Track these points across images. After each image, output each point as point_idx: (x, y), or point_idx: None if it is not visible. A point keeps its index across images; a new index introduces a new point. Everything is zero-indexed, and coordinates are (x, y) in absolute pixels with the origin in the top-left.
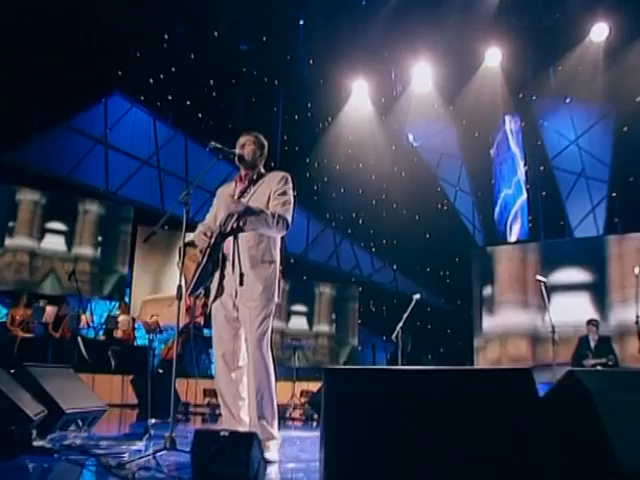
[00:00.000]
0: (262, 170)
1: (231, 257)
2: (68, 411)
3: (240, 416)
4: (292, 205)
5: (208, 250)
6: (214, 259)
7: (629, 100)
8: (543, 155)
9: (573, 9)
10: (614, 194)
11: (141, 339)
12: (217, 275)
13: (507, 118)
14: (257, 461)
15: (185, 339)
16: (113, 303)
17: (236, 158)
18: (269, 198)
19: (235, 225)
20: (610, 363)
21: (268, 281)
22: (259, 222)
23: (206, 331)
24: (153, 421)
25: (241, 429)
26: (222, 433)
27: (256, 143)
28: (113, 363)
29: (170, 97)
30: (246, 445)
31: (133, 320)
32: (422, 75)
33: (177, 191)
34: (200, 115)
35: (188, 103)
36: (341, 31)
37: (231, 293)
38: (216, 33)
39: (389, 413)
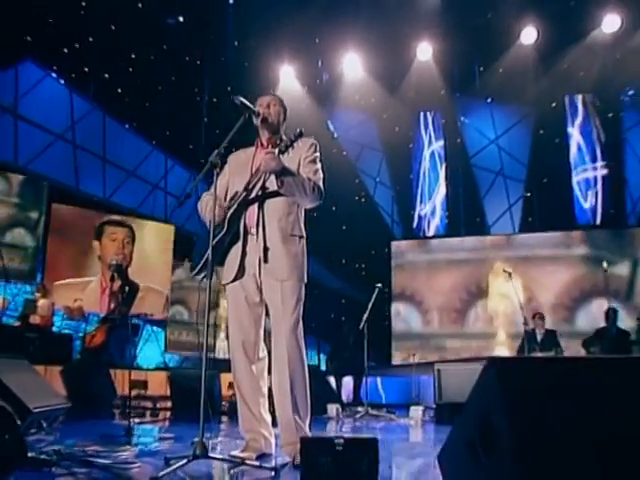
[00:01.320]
0: (284, 136)
1: (254, 230)
2: (35, 410)
3: (262, 414)
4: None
5: (225, 222)
6: (233, 232)
7: (546, 103)
8: (463, 152)
9: (505, 11)
10: (529, 194)
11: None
12: (235, 252)
13: (429, 114)
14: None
15: (110, 326)
16: (27, 287)
17: (259, 119)
18: (299, 165)
19: (266, 187)
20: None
21: (298, 258)
22: (296, 186)
23: (135, 320)
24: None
25: (264, 431)
26: (336, 441)
27: (282, 105)
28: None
29: (87, 69)
30: (368, 454)
31: (53, 304)
32: (350, 66)
33: (93, 169)
34: (120, 90)
35: (107, 76)
36: (271, 14)
37: (254, 272)
38: (140, 4)
39: (562, 403)
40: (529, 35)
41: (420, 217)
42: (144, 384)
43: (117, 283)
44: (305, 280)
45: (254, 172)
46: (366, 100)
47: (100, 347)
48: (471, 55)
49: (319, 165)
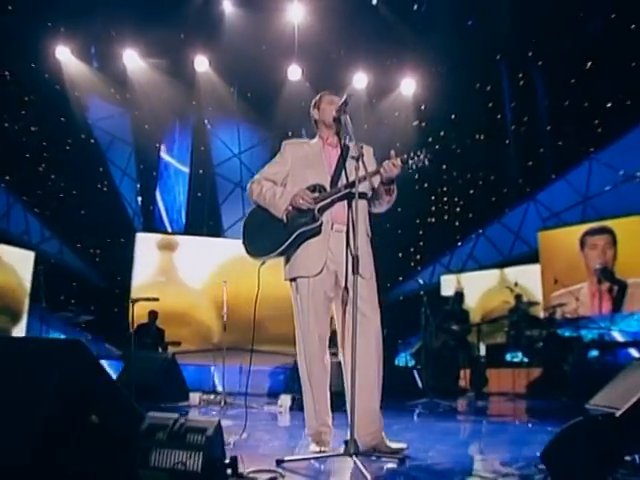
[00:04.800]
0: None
1: (342, 227)
2: None
3: (329, 407)
4: None
5: (316, 214)
6: (315, 224)
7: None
8: (208, 160)
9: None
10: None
11: None
12: (318, 246)
13: (180, 120)
14: None
15: None
16: None
17: (334, 119)
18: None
19: (376, 190)
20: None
21: (373, 258)
22: (393, 195)
23: None
24: None
25: (330, 424)
26: None
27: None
28: None
29: None
30: None
31: None
32: (129, 59)
33: None
34: None
35: None
36: None
37: (335, 269)
38: None
39: None
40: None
41: (160, 212)
42: None
43: None
44: None
45: (335, 171)
46: (122, 94)
47: None
48: (231, 78)
49: None
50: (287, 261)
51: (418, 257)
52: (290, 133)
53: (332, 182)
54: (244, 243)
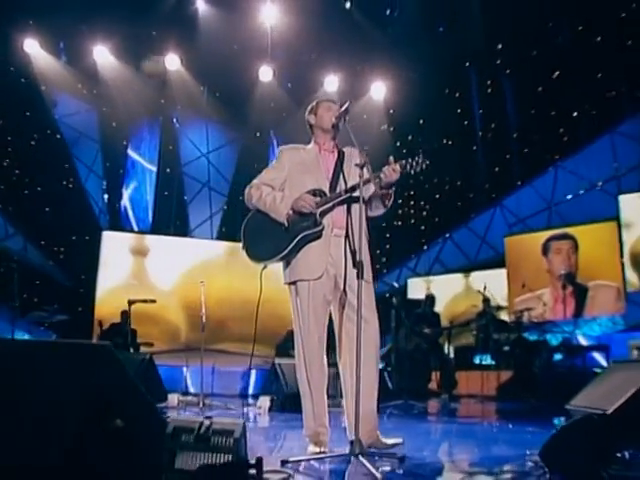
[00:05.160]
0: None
1: (341, 232)
2: None
3: (326, 409)
4: None
5: (317, 219)
6: (317, 228)
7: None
8: (176, 159)
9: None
10: (226, 207)
11: None
12: (319, 250)
13: (149, 118)
14: None
15: None
16: None
17: (332, 125)
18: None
19: (352, 192)
20: None
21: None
22: (391, 199)
23: None
24: None
25: (327, 425)
26: None
27: None
28: None
29: None
30: None
31: None
32: (100, 55)
33: None
34: None
35: None
36: None
37: (335, 273)
38: None
39: None
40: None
41: (127, 211)
42: None
43: None
44: None
45: (333, 175)
46: (90, 90)
47: None
48: (202, 77)
49: None
50: (287, 265)
51: (384, 260)
52: (258, 134)
53: (331, 187)
54: (244, 247)
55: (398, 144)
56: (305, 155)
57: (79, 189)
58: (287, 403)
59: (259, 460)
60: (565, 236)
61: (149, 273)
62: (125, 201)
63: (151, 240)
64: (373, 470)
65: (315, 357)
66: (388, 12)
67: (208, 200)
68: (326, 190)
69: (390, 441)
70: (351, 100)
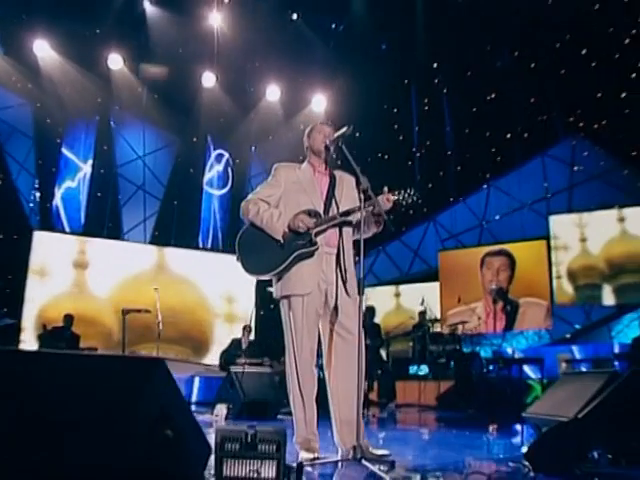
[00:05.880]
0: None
1: (333, 250)
2: None
3: (316, 418)
4: None
5: (312, 238)
6: (313, 247)
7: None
8: (111, 160)
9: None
10: (160, 211)
11: None
12: (312, 267)
13: (86, 117)
14: None
15: None
16: None
17: (324, 147)
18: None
19: (345, 215)
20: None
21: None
22: (381, 226)
23: None
24: None
25: (316, 433)
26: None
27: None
28: None
29: None
30: None
31: None
32: (39, 49)
33: None
34: None
35: None
36: None
37: (326, 288)
38: None
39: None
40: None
41: (59, 210)
42: None
43: None
44: None
45: (327, 198)
46: (25, 85)
47: None
48: (142, 78)
49: None
50: (278, 279)
51: None
52: (195, 139)
53: (325, 208)
54: (239, 260)
55: (334, 155)
56: (301, 175)
57: (9, 186)
58: (244, 411)
59: (300, 465)
60: (500, 252)
61: (83, 275)
62: (57, 200)
63: (83, 242)
64: (381, 473)
65: (307, 368)
66: (333, 26)
67: (142, 203)
68: (320, 211)
69: (379, 452)
70: (351, 126)
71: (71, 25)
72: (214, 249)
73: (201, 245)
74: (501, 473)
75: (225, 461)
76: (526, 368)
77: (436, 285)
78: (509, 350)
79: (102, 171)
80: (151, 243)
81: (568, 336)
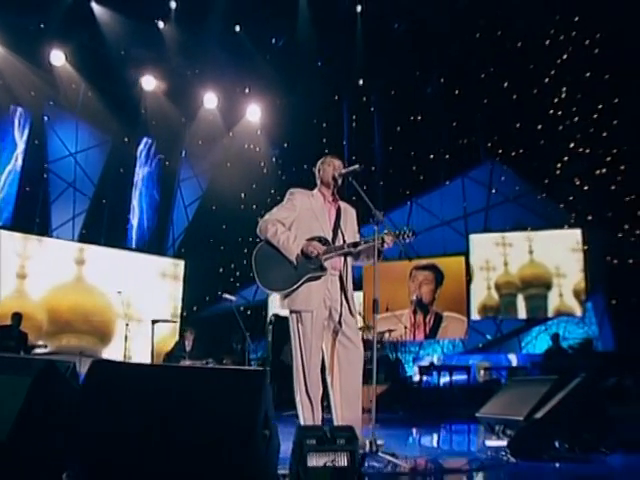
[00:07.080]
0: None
1: (338, 272)
2: None
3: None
4: None
5: (322, 263)
6: (323, 272)
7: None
8: (42, 155)
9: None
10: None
11: None
12: (319, 286)
13: (18, 109)
14: None
15: None
16: None
17: (332, 178)
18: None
19: (348, 244)
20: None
21: None
22: (380, 258)
23: None
24: None
25: None
26: None
27: None
28: None
29: None
30: None
31: None
32: None
33: None
34: None
35: None
36: None
37: (330, 305)
38: None
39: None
40: (149, 82)
41: None
42: None
43: None
44: None
45: (334, 226)
46: None
47: None
48: (83, 76)
49: None
50: (286, 295)
51: (238, 274)
52: (127, 139)
53: (333, 236)
54: (255, 274)
55: (262, 164)
56: (314, 203)
57: None
58: None
59: (364, 455)
60: (427, 267)
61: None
62: None
63: (8, 236)
64: (398, 462)
65: (316, 375)
66: (274, 41)
67: (72, 200)
68: (329, 238)
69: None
70: (362, 165)
71: (15, 18)
72: (139, 249)
73: (132, 245)
74: (489, 458)
75: (309, 455)
76: (459, 375)
77: (360, 294)
78: (428, 358)
79: (32, 166)
80: (80, 241)
81: (480, 346)
